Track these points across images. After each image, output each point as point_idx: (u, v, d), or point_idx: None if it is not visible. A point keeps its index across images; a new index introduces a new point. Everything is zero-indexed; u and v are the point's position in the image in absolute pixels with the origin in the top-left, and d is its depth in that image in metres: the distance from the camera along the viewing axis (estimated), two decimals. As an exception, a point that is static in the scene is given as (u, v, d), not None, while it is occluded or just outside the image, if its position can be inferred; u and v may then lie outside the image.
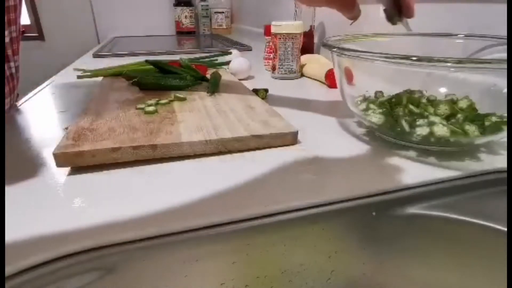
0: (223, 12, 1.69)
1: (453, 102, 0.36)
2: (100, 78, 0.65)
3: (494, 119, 0.33)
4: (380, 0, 0.35)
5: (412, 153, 0.35)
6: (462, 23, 0.49)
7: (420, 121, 0.34)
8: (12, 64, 0.53)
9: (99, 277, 0.24)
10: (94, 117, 0.41)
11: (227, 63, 0.72)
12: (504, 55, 0.39)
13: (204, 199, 0.28)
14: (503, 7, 0.42)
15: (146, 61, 0.65)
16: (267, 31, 0.76)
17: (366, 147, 0.37)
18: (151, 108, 0.43)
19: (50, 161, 0.32)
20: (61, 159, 0.32)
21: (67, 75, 0.73)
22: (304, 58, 0.73)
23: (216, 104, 0.47)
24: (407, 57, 0.30)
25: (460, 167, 0.33)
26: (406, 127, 0.34)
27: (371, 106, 0.39)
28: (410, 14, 0.34)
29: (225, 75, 0.66)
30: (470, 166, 0.33)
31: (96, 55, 1.00)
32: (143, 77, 0.55)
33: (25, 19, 1.71)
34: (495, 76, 0.34)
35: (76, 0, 1.71)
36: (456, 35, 0.45)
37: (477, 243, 0.32)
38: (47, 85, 0.66)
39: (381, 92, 0.41)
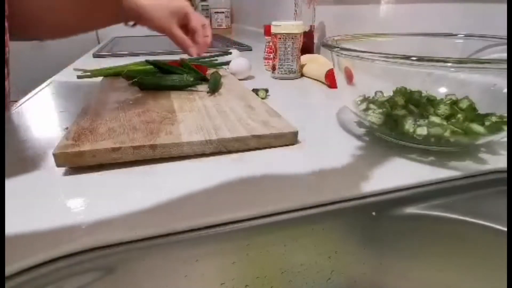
0: (223, 12, 1.69)
1: (453, 102, 0.36)
2: (100, 78, 0.65)
3: (494, 119, 0.33)
4: None
5: (412, 153, 0.35)
6: (462, 23, 0.49)
7: (420, 121, 0.34)
8: None
9: (99, 277, 0.24)
10: (94, 117, 0.41)
11: (227, 63, 0.72)
12: (504, 55, 0.39)
13: (204, 199, 0.28)
14: (503, 7, 0.42)
15: (146, 61, 0.65)
16: (267, 31, 0.76)
17: (366, 147, 0.37)
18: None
19: (50, 161, 0.32)
20: (61, 159, 0.32)
21: (67, 75, 0.73)
22: (304, 58, 0.73)
23: (216, 104, 0.47)
24: (407, 57, 0.30)
25: (460, 167, 0.33)
26: (406, 127, 0.34)
27: (371, 106, 0.39)
28: None
29: (225, 75, 0.66)
30: (470, 166, 0.33)
31: (96, 55, 1.00)
32: (143, 77, 0.55)
33: (25, 19, 1.70)
34: (495, 76, 0.34)
35: (76, 0, 1.71)
36: (456, 35, 0.45)
37: (477, 243, 0.31)
38: (47, 85, 0.66)
39: (381, 92, 0.41)
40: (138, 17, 0.54)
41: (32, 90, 0.62)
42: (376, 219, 0.29)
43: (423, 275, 0.32)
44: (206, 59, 0.78)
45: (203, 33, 0.57)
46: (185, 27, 0.56)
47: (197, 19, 0.56)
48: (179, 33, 0.55)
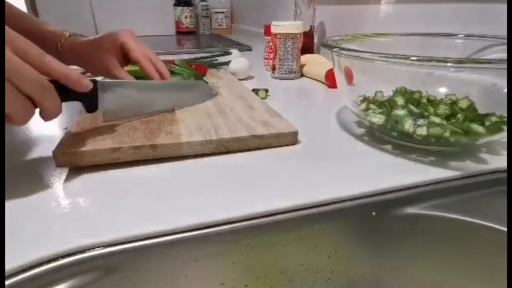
0: (223, 12, 1.69)
1: (453, 102, 0.36)
2: (100, 78, 0.65)
3: (494, 119, 0.33)
4: None
5: (412, 153, 0.35)
6: (462, 23, 0.49)
7: (420, 121, 0.34)
8: None
9: (99, 277, 0.24)
10: (94, 117, 0.41)
11: (227, 63, 0.72)
12: (504, 55, 0.39)
13: (204, 199, 0.28)
14: (503, 7, 0.42)
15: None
16: (267, 31, 0.76)
17: (366, 147, 0.37)
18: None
19: (50, 161, 0.32)
20: (61, 159, 0.32)
21: (67, 75, 0.73)
22: (304, 58, 0.73)
23: (216, 104, 0.47)
24: (407, 57, 0.30)
25: (460, 167, 0.33)
26: (406, 127, 0.34)
27: (371, 106, 0.39)
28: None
29: (225, 75, 0.66)
30: (470, 166, 0.33)
31: (96, 55, 1.00)
32: (143, 77, 0.55)
33: (25, 19, 1.70)
34: (495, 76, 0.34)
35: (76, 0, 1.71)
36: (456, 35, 0.45)
37: (477, 243, 0.32)
38: (47, 85, 0.66)
39: (381, 92, 0.41)
40: (77, 59, 0.50)
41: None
42: (376, 219, 0.30)
43: (422, 275, 0.32)
44: (207, 59, 0.78)
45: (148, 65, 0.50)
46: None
47: (138, 50, 0.50)
48: (121, 73, 0.49)
